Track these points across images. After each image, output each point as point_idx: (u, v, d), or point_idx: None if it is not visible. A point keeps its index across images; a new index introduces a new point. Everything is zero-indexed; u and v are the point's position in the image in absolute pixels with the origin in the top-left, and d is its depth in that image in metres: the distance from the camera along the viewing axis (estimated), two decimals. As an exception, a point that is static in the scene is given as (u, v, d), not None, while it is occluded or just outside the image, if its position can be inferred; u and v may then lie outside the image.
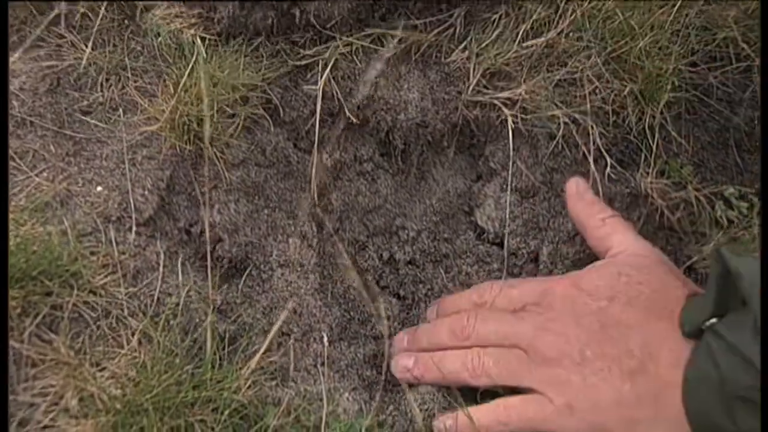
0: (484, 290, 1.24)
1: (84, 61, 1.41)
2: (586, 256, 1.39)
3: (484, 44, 1.47)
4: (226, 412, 1.13)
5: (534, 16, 1.46)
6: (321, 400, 1.25)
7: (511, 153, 1.49)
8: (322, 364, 1.34)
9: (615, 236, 1.25)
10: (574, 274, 1.10)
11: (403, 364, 1.31)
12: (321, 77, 1.46)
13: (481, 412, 1.02)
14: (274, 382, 1.26)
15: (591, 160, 1.44)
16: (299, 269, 1.42)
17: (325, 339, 1.36)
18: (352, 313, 1.47)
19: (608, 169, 1.44)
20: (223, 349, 1.24)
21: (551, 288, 1.07)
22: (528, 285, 1.13)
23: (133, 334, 1.18)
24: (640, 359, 0.90)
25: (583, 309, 0.99)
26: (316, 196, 1.51)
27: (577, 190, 1.37)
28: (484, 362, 1.03)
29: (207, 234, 1.37)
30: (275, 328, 1.33)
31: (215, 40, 1.41)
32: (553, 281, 1.10)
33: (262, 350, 1.28)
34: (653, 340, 0.91)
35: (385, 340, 1.48)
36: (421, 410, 1.29)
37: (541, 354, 0.97)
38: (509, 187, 1.48)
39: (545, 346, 0.98)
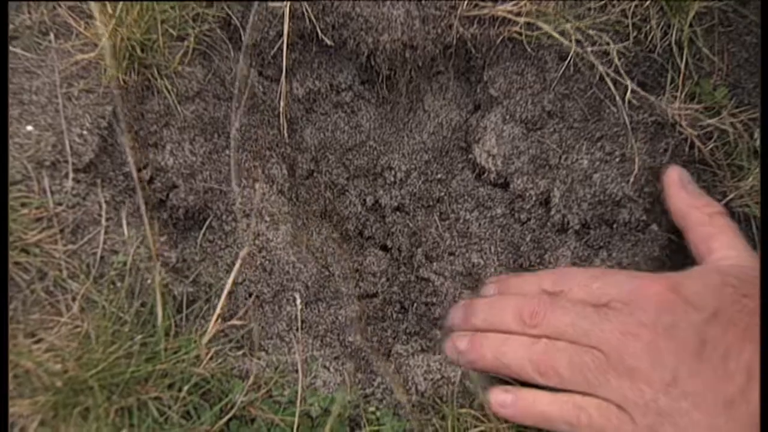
0: (559, 277, 1.15)
1: (2, -24, 1.36)
2: (606, 198, 1.37)
3: (481, -53, 1.43)
4: (185, 388, 1.12)
5: None
6: (296, 371, 1.24)
7: (515, 77, 1.45)
8: (297, 329, 1.33)
9: (720, 238, 1.18)
10: (671, 276, 1.03)
11: (455, 346, 1.26)
12: (288, -10, 1.41)
13: (546, 400, 0.99)
14: (240, 352, 1.25)
15: (609, 83, 1.40)
16: (268, 219, 1.40)
17: (299, 300, 1.35)
18: (331, 269, 1.45)
19: (629, 94, 1.40)
20: (179, 314, 1.23)
21: (643, 287, 1.00)
22: (614, 278, 1.06)
23: (73, 299, 1.16)
24: (741, 387, 0.86)
25: (681, 319, 0.93)
26: (286, 132, 1.48)
27: (679, 178, 1.32)
28: (555, 359, 0.98)
29: (158, 180, 1.35)
30: (233, 287, 1.31)
31: (160, -53, 1.35)
32: (646, 279, 1.03)
33: (225, 315, 1.27)
34: (756, 365, 0.86)
35: (371, 299, 1.48)
36: (426, 379, 1.28)
37: (626, 364, 0.92)
38: (513, 118, 1.45)
39: (632, 356, 0.92)
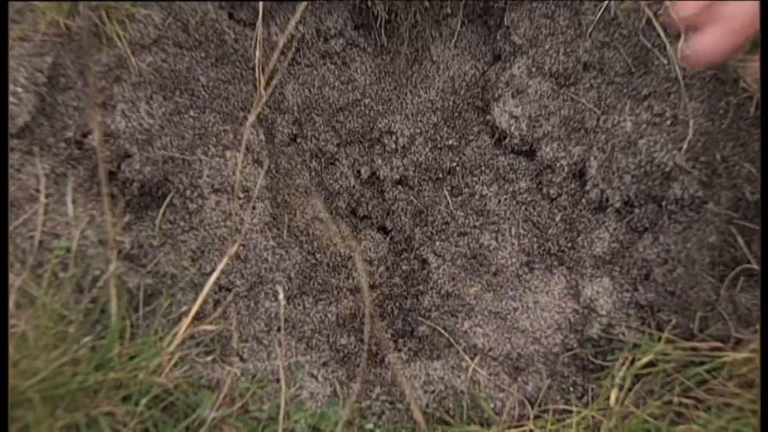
0: None
1: None
2: (654, 169, 1.37)
3: None
4: (143, 401, 1.13)
5: None
6: (278, 381, 1.26)
7: (543, 21, 1.46)
8: (278, 329, 1.34)
9: None
10: None
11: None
12: None
13: None
14: (209, 357, 1.26)
15: (658, 28, 1.41)
16: (242, 195, 1.41)
17: (281, 294, 1.36)
18: (318, 256, 1.46)
19: (682, 42, 1.40)
20: (136, 311, 1.23)
21: None
22: None
23: (7, 294, 1.17)
24: None
25: None
26: (263, 89, 1.48)
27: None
28: None
29: (107, 147, 1.35)
30: (211, 280, 1.31)
31: None
32: None
33: (192, 312, 1.28)
34: None
35: (366, 293, 1.49)
36: (425, 392, 1.30)
37: None
38: (540, 71, 1.46)
39: None
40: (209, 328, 1.22)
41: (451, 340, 1.41)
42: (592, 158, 1.44)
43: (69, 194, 1.23)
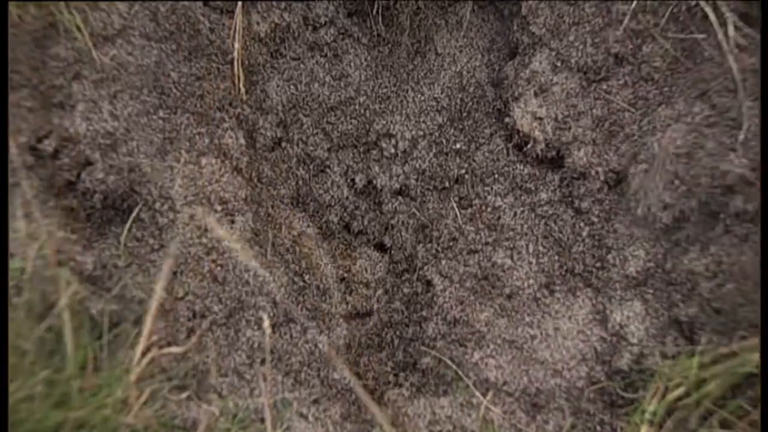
0: None
1: None
2: (712, 179, 1.35)
3: None
4: None
5: None
6: (262, 420, 1.26)
7: (566, 9, 1.48)
8: (262, 361, 1.35)
9: None
10: None
11: None
12: None
13: None
14: (183, 394, 1.26)
15: (712, 15, 1.41)
16: (219, 208, 1.42)
17: (266, 321, 1.37)
18: (306, 278, 1.47)
19: (730, 28, 1.41)
20: (99, 339, 1.24)
21: None
22: None
23: (-50, 322, 1.18)
24: None
25: None
26: (242, 85, 1.50)
27: None
28: None
29: (65, 153, 1.36)
30: (173, 303, 1.32)
31: None
32: None
33: (144, 333, 1.26)
34: None
35: (363, 320, 1.50)
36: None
37: None
38: (566, 65, 1.48)
39: None
40: (174, 350, 1.23)
41: (460, 373, 1.42)
42: (634, 167, 1.44)
43: (20, 208, 1.23)
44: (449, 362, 1.44)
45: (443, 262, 1.50)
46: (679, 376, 1.34)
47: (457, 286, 1.48)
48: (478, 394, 1.40)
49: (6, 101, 1.30)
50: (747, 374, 1.30)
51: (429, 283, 1.49)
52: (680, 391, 1.32)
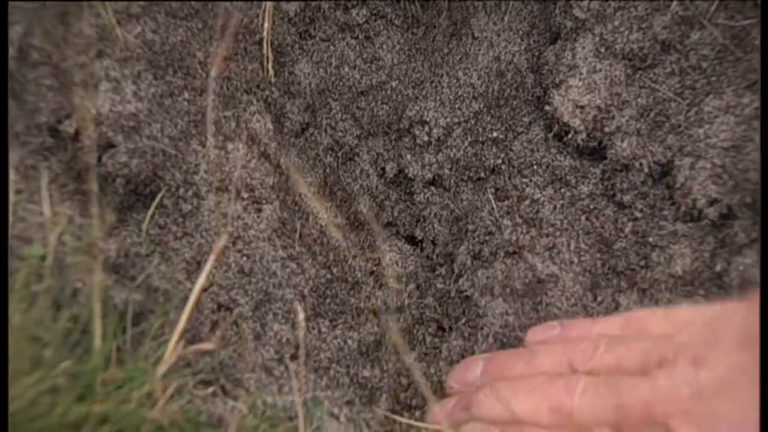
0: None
1: None
2: (758, 167, 1.36)
3: None
4: None
5: None
6: (291, 419, 1.26)
7: (613, -9, 1.47)
8: (292, 357, 1.35)
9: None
10: None
11: (444, 416, 1.31)
12: None
13: None
14: (210, 389, 1.27)
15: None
16: (246, 196, 1.41)
17: (300, 314, 1.36)
18: (334, 271, 1.47)
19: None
20: (124, 333, 1.24)
21: None
22: None
23: (-33, 310, 1.18)
24: None
25: None
26: (270, 67, 1.50)
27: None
28: None
29: (86, 135, 1.35)
30: (197, 286, 1.32)
31: None
32: None
33: (178, 329, 1.26)
34: None
35: (391, 316, 1.49)
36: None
37: None
38: (611, 52, 1.47)
39: None
40: (205, 347, 1.22)
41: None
42: (680, 160, 1.43)
43: (43, 192, 1.23)
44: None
45: (479, 272, 1.48)
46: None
47: (499, 300, 1.46)
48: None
49: (6, 101, 1.30)
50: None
51: (469, 299, 1.47)
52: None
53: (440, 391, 1.40)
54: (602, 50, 1.46)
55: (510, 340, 1.44)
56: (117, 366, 1.20)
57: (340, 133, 1.55)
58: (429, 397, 1.36)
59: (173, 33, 1.41)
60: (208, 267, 1.27)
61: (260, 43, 1.46)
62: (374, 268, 1.52)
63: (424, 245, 1.55)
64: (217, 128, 1.41)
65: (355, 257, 1.51)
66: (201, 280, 1.24)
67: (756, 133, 1.39)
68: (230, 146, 1.42)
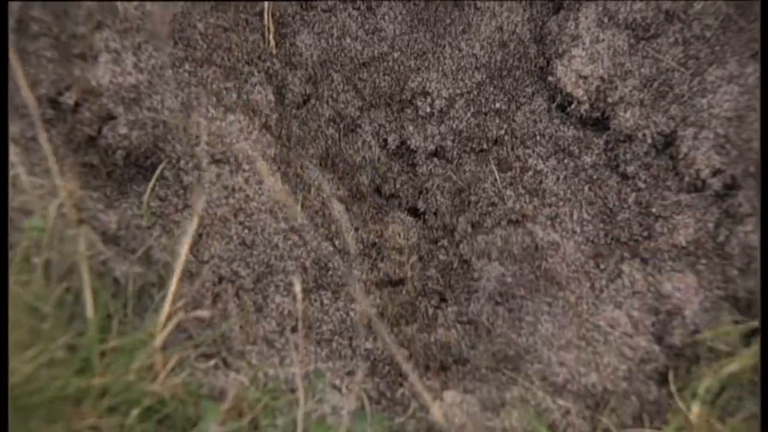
0: None
1: None
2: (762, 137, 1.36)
3: None
4: (133, 413, 1.13)
5: None
6: (293, 391, 1.26)
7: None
8: (293, 329, 1.35)
9: None
10: None
11: None
12: None
13: None
14: (212, 362, 1.26)
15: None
16: (247, 168, 1.41)
17: (297, 285, 1.36)
18: (337, 243, 1.47)
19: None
20: (125, 307, 1.24)
21: None
22: None
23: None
24: None
25: None
26: (272, 37, 1.50)
27: None
28: None
29: (86, 107, 1.36)
30: (198, 266, 1.32)
31: None
32: None
33: (168, 297, 1.25)
34: None
35: (395, 288, 1.49)
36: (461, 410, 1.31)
37: None
38: (614, 21, 1.46)
39: None
40: (201, 314, 1.22)
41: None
42: (684, 130, 1.43)
43: (46, 162, 1.23)
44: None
45: (479, 237, 1.48)
46: (733, 350, 1.33)
47: (497, 263, 1.46)
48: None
49: (6, 101, 1.30)
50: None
51: (467, 263, 1.47)
52: (734, 366, 1.32)
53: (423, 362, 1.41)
54: (605, 20, 1.46)
55: (506, 298, 1.45)
56: (116, 338, 1.20)
57: (342, 105, 1.55)
58: (410, 374, 1.35)
59: (174, 4, 1.40)
60: (193, 225, 1.27)
61: (261, 14, 1.46)
62: (376, 239, 1.52)
63: (426, 217, 1.55)
64: (218, 100, 1.41)
65: (359, 229, 1.51)
66: (185, 248, 1.24)
67: (755, 101, 1.39)
68: (231, 117, 1.41)
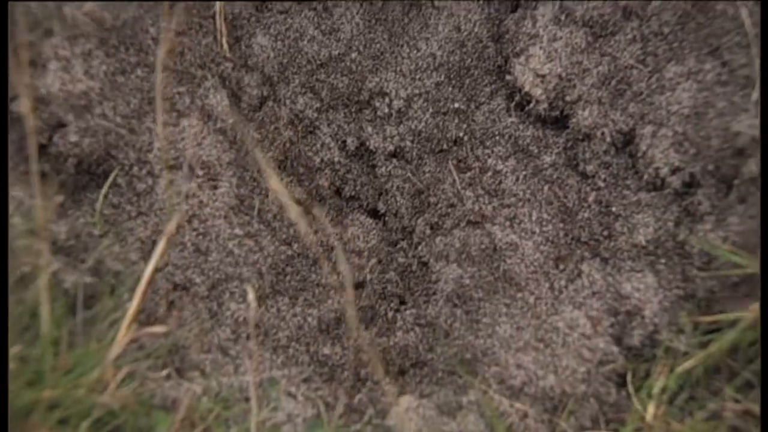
0: None
1: None
2: (725, 141, 1.35)
3: None
4: (84, 425, 1.13)
5: None
6: (247, 400, 1.26)
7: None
8: (248, 336, 1.35)
9: None
10: None
11: None
12: None
13: None
14: (164, 372, 1.26)
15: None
16: (201, 173, 1.41)
17: (250, 294, 1.36)
18: (294, 247, 1.47)
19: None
20: (74, 316, 1.24)
21: None
22: None
23: None
24: None
25: None
26: (225, 40, 1.50)
27: None
28: None
29: (37, 115, 1.35)
30: (149, 268, 1.31)
31: None
32: None
33: (131, 311, 1.25)
34: None
35: (355, 291, 1.49)
36: (419, 412, 1.31)
37: None
38: (571, 19, 1.47)
39: None
40: (157, 330, 1.22)
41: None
42: (642, 128, 1.44)
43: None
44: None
45: (437, 239, 1.48)
46: (690, 348, 1.34)
47: (455, 265, 1.47)
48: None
49: (6, 100, 1.30)
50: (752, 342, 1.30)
51: (425, 265, 1.48)
52: (689, 363, 1.32)
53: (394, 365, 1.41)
54: (562, 18, 1.46)
55: (463, 301, 1.46)
56: (68, 351, 1.19)
57: (299, 107, 1.55)
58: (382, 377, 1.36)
59: (125, 9, 1.40)
60: (159, 248, 1.26)
61: (214, 17, 1.45)
62: (334, 243, 1.52)
63: (386, 218, 1.55)
64: (171, 105, 1.41)
65: (316, 232, 1.51)
66: (152, 263, 1.24)
67: (718, 99, 1.39)
68: (184, 122, 1.41)
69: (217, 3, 1.44)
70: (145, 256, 1.35)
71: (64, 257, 1.29)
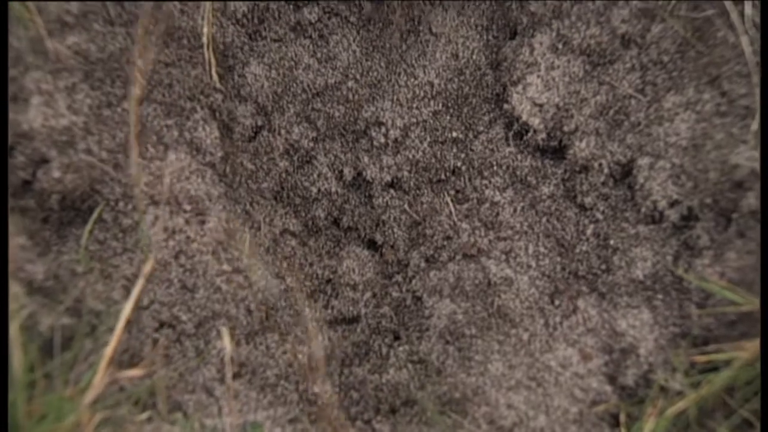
0: None
1: None
2: (723, 174, 1.35)
3: None
4: None
5: None
6: (231, 443, 1.26)
7: (569, -16, 1.45)
8: (234, 375, 1.34)
9: None
10: None
11: None
12: None
13: None
14: (144, 415, 1.26)
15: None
16: (188, 208, 1.41)
17: (225, 335, 1.36)
18: (288, 281, 1.46)
19: (747, 5, 1.39)
20: (51, 358, 1.24)
21: None
22: None
23: None
24: None
25: None
26: (214, 71, 1.49)
27: None
28: None
29: (18, 151, 1.35)
30: (132, 314, 1.31)
31: None
32: None
33: (121, 358, 1.27)
34: None
35: (349, 326, 1.49)
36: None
37: None
38: (568, 47, 1.45)
39: None
40: (136, 373, 1.22)
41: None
42: (640, 159, 1.43)
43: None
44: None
45: (431, 273, 1.48)
46: (684, 388, 1.32)
47: (449, 300, 1.46)
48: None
49: (6, 100, 1.30)
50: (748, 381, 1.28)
51: (419, 300, 1.47)
52: (682, 404, 1.31)
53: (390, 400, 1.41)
54: (560, 46, 1.45)
55: (455, 338, 1.45)
56: (42, 395, 1.19)
57: (294, 137, 1.54)
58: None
59: (111, 40, 1.40)
60: (138, 287, 1.26)
61: (203, 46, 1.44)
62: (330, 276, 1.51)
63: (383, 250, 1.54)
64: (158, 138, 1.41)
65: (312, 265, 1.51)
66: (131, 303, 1.24)
67: (717, 130, 1.38)
68: (171, 156, 1.41)
69: (205, 33, 1.43)
70: (129, 294, 1.34)
71: (41, 299, 1.29)
